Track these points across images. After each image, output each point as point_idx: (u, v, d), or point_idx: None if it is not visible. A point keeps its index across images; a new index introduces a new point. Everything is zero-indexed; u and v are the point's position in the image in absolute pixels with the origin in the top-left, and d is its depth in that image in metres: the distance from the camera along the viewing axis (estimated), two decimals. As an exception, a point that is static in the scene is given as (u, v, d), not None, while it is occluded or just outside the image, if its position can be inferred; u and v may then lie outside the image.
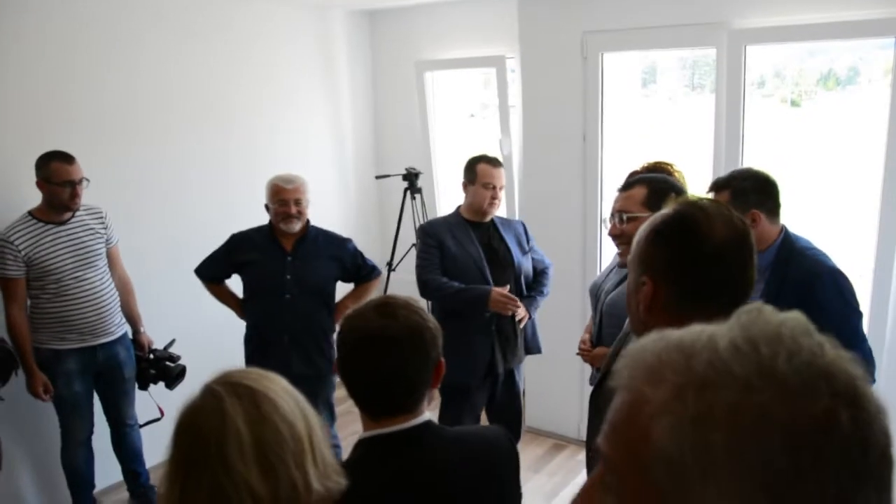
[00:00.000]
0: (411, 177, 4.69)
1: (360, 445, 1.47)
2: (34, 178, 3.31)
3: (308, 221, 3.65)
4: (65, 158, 3.31)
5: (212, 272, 3.68)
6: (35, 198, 3.38)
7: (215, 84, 4.46)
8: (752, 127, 3.73)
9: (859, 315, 2.40)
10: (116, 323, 3.60)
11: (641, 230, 1.37)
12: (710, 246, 1.27)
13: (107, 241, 3.59)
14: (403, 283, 4.85)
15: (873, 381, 2.42)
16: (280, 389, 1.14)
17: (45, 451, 3.75)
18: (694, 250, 1.27)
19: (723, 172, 3.74)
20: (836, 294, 2.34)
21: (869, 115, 3.85)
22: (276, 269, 3.53)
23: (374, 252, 5.66)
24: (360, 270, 3.73)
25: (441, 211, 5.40)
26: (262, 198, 4.80)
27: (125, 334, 3.69)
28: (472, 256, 3.46)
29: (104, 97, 3.92)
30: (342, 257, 3.66)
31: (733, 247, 1.28)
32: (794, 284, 2.36)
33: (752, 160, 3.58)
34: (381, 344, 1.41)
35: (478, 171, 3.48)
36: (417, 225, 4.64)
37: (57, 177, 3.28)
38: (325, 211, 5.26)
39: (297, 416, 1.11)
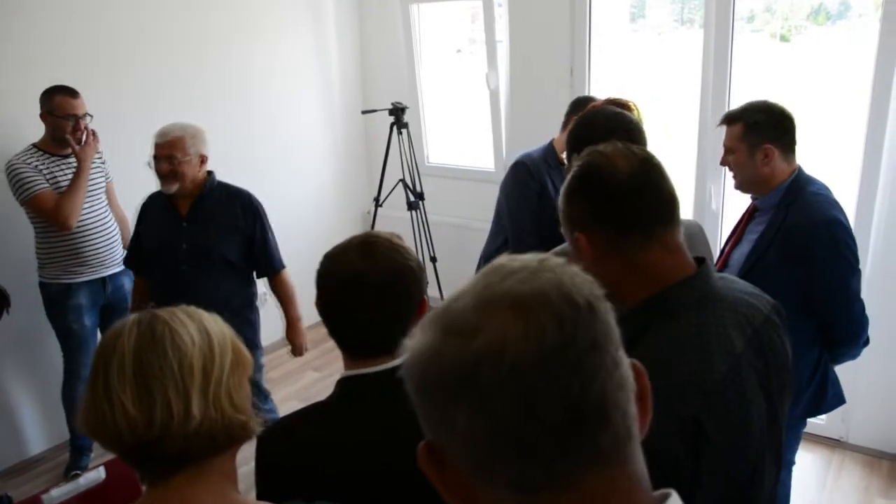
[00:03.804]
0: (398, 111, 4.64)
1: (339, 384, 1.47)
2: (31, 115, 3.34)
3: (209, 175, 3.17)
4: (69, 92, 3.35)
5: (141, 259, 3.26)
6: (34, 134, 3.43)
7: (203, 23, 4.37)
8: (740, 62, 3.69)
9: (854, 271, 2.28)
10: (121, 254, 3.65)
11: (560, 195, 1.43)
12: (617, 181, 1.32)
13: (106, 175, 3.64)
14: (390, 220, 4.86)
15: (865, 342, 2.37)
16: (192, 323, 1.15)
17: (46, 388, 3.82)
18: (605, 191, 1.33)
19: (710, 108, 3.76)
20: (829, 246, 2.23)
21: (858, 51, 3.82)
22: (170, 236, 3.10)
23: (362, 187, 5.67)
24: (263, 252, 3.21)
25: (429, 147, 5.37)
26: (252, 137, 4.80)
27: None
28: None
29: (98, 36, 3.87)
30: (245, 216, 3.15)
31: (640, 174, 1.33)
32: (788, 231, 2.27)
33: (740, 96, 3.56)
34: (360, 288, 1.40)
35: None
36: (404, 160, 4.62)
37: (60, 110, 3.31)
38: (312, 146, 5.25)
39: (196, 349, 1.12)
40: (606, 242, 1.32)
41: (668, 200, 1.34)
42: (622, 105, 2.76)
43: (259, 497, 1.40)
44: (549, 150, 3.15)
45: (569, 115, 3.20)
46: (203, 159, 3.09)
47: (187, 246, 3.07)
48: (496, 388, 0.61)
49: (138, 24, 4.07)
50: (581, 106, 3.16)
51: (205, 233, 3.08)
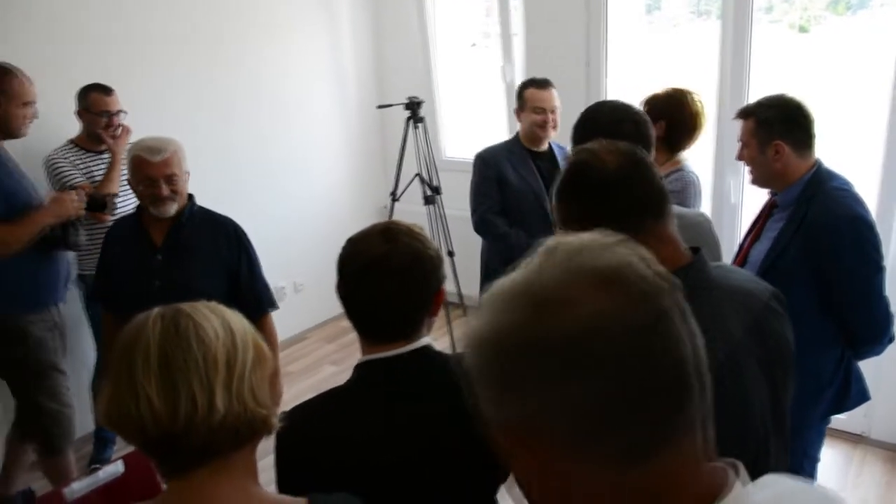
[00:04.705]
0: (413, 106, 4.63)
1: (358, 368, 1.50)
2: (68, 112, 3.46)
3: (189, 198, 2.77)
4: (103, 90, 3.48)
5: (108, 293, 2.82)
6: (72, 131, 3.54)
7: (216, 20, 4.39)
8: (758, 54, 3.66)
9: (879, 269, 2.22)
10: None
11: (553, 196, 1.44)
12: (607, 178, 1.34)
13: None
14: (407, 214, 4.83)
15: (890, 339, 2.33)
16: (215, 318, 1.16)
17: (73, 381, 3.81)
18: (596, 189, 1.35)
19: (727, 101, 3.72)
20: (853, 244, 2.17)
21: (880, 41, 3.77)
22: (142, 271, 2.66)
23: (378, 182, 5.67)
24: (251, 289, 2.79)
25: (445, 141, 5.37)
26: (268, 133, 4.80)
27: None
28: (532, 189, 3.36)
29: (110, 39, 3.89)
30: (229, 247, 2.76)
31: (629, 168, 1.35)
32: (810, 227, 2.22)
33: (759, 89, 3.53)
34: (381, 273, 1.42)
35: (526, 97, 3.38)
36: (420, 154, 4.62)
37: (95, 107, 3.45)
38: (328, 141, 5.26)
39: (220, 343, 1.12)
40: None
41: (657, 193, 1.35)
42: (684, 93, 2.78)
43: (280, 488, 1.42)
44: (515, 140, 3.46)
45: (517, 107, 3.45)
46: (188, 176, 2.76)
47: (161, 282, 2.62)
48: (611, 356, 0.63)
49: (153, 23, 4.09)
50: (519, 93, 3.44)
51: (183, 267, 2.65)
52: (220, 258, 2.72)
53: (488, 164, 3.39)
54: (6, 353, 3.00)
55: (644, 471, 0.65)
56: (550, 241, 0.74)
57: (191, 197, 2.77)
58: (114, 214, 3.38)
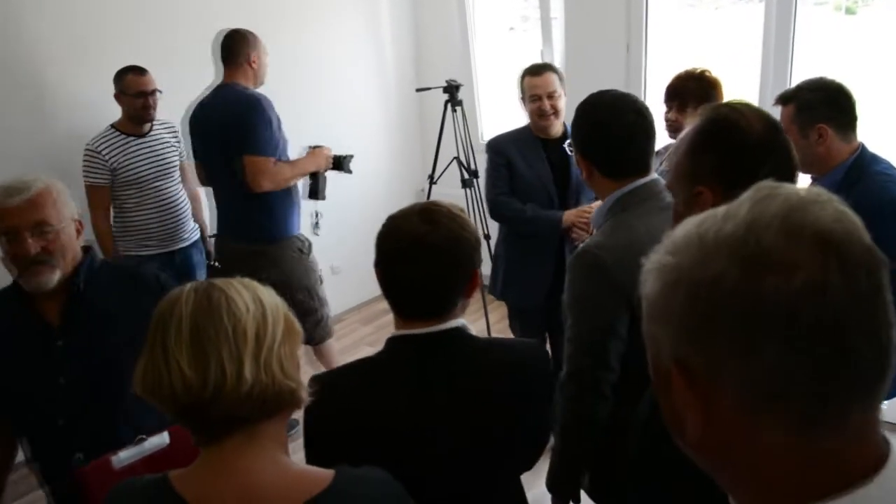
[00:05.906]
0: (452, 89, 4.63)
1: (390, 342, 1.52)
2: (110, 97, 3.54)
3: (86, 252, 2.00)
4: (138, 71, 3.56)
5: None
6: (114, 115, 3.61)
7: (255, 2, 4.43)
8: (802, 38, 3.59)
9: None
10: (190, 229, 3.88)
11: (677, 148, 1.41)
12: (753, 140, 1.33)
13: (180, 154, 3.83)
14: (444, 197, 4.76)
15: None
16: (247, 292, 1.19)
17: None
18: (740, 149, 1.33)
19: (770, 86, 3.67)
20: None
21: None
22: (38, 365, 1.90)
23: (416, 165, 5.69)
24: None
25: (483, 124, 5.37)
26: (306, 115, 4.84)
27: (198, 239, 3.96)
28: (541, 177, 3.28)
29: (144, 24, 3.95)
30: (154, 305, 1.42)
31: (772, 136, 1.35)
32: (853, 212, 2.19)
33: (803, 73, 3.46)
34: (420, 251, 1.44)
35: (524, 86, 3.30)
36: (458, 137, 4.63)
37: (131, 88, 3.52)
38: (367, 124, 5.28)
39: (250, 316, 1.16)
40: (724, 199, 1.32)
41: (791, 167, 1.36)
42: (701, 74, 2.77)
43: (308, 458, 1.45)
44: (525, 128, 3.38)
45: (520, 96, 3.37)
46: (79, 227, 1.98)
47: (67, 380, 1.86)
48: (817, 327, 0.61)
49: (189, 8, 4.13)
50: (520, 86, 3.33)
51: (96, 349, 1.90)
52: (146, 324, 1.61)
53: (497, 152, 3.36)
54: (269, 273, 3.29)
55: (819, 435, 0.64)
56: (764, 187, 0.70)
57: (88, 250, 2.02)
58: (350, 171, 3.85)
